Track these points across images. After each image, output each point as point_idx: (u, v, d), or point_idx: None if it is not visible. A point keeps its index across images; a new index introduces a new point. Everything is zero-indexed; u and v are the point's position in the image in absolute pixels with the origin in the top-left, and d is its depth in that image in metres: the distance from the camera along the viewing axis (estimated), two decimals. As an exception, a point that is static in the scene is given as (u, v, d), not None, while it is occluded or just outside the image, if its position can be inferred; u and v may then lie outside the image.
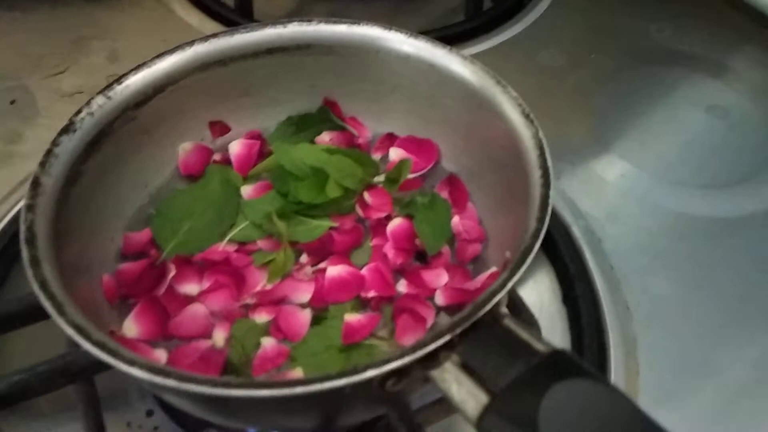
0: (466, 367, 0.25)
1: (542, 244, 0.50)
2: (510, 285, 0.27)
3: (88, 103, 0.35)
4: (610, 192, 0.54)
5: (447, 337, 0.25)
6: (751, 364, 0.44)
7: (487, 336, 0.26)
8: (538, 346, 0.25)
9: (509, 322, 0.26)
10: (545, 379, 0.23)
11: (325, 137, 0.42)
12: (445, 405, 0.38)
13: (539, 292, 0.48)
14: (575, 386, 0.23)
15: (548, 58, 0.62)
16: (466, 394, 0.24)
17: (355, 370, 0.25)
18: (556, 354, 0.24)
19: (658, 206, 0.53)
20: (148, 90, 0.37)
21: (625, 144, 0.57)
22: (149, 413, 0.40)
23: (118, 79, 0.36)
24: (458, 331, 0.26)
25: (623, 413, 0.22)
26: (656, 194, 0.53)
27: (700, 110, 0.59)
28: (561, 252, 0.48)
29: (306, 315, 0.36)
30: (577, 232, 0.50)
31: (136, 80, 0.37)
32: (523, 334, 0.25)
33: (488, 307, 0.26)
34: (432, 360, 0.26)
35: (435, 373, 0.26)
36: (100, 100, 0.36)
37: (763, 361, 0.44)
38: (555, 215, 0.49)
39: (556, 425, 0.22)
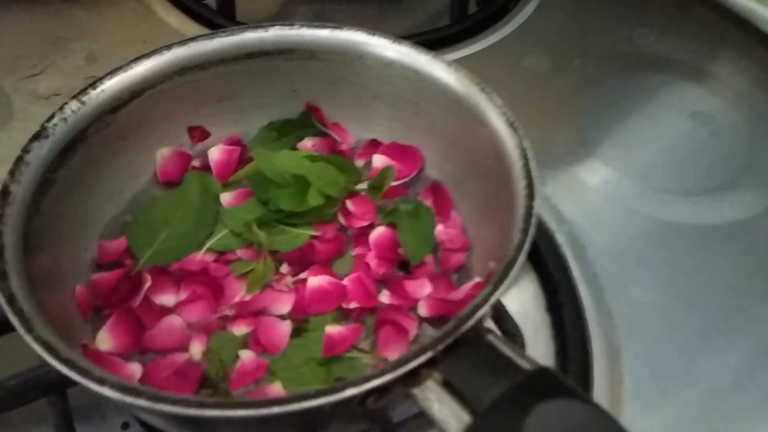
0: (448, 385, 0.24)
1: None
2: (493, 299, 0.27)
3: (61, 108, 0.34)
4: (594, 198, 0.53)
5: (429, 354, 0.25)
6: (733, 370, 0.44)
7: (470, 353, 0.25)
8: (522, 364, 0.24)
9: (492, 339, 0.26)
10: (529, 398, 0.22)
11: (308, 143, 0.42)
12: (427, 419, 0.37)
13: (523, 300, 0.47)
14: (559, 406, 0.22)
15: (533, 63, 0.62)
16: (448, 414, 0.24)
17: (335, 389, 0.24)
18: (539, 372, 0.24)
19: (641, 213, 0.52)
20: (125, 95, 0.36)
21: (610, 150, 0.57)
22: (124, 426, 0.39)
23: (93, 84, 0.35)
24: (440, 347, 0.25)
25: (608, 433, 0.22)
26: (640, 201, 0.53)
27: (683, 116, 0.59)
28: (545, 259, 0.48)
29: (286, 327, 0.35)
30: (561, 239, 0.49)
31: (112, 84, 0.36)
32: (507, 351, 0.25)
33: (471, 322, 0.26)
34: (413, 377, 0.25)
35: (416, 391, 0.25)
36: (74, 105, 0.35)
37: (744, 367, 0.44)
38: (539, 222, 0.49)
39: (539, 447, 0.21)
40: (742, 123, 0.59)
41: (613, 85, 0.61)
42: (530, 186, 0.31)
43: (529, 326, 0.45)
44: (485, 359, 0.25)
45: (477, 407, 0.23)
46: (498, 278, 0.28)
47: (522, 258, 0.29)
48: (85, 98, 0.35)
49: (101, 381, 0.24)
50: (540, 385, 0.23)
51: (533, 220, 0.30)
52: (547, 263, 0.47)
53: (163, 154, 0.40)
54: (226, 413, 0.24)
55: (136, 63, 0.37)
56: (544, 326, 0.46)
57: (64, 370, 0.25)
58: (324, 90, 0.41)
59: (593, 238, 0.50)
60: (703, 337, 0.45)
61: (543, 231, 0.49)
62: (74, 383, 0.35)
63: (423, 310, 0.36)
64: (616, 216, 0.52)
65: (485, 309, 0.26)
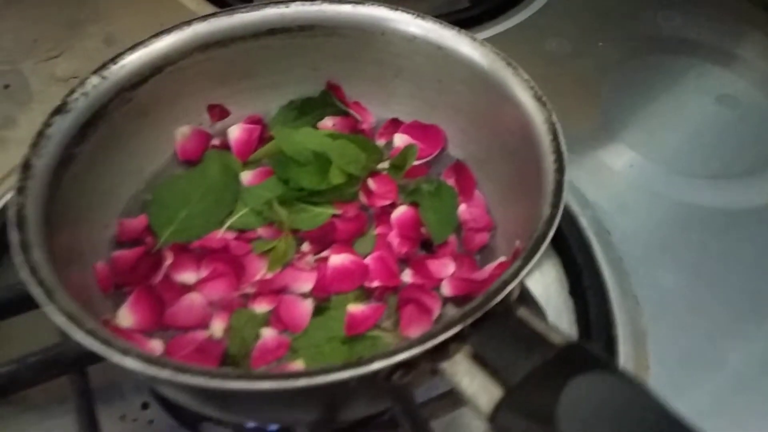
0: (478, 360, 0.24)
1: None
2: (524, 273, 0.26)
3: (82, 83, 0.34)
4: (618, 182, 0.53)
5: (458, 328, 0.24)
6: (759, 356, 0.43)
7: (500, 327, 0.24)
8: (554, 338, 0.24)
9: (523, 313, 0.25)
10: (562, 372, 0.22)
11: (328, 122, 0.41)
12: (450, 399, 0.37)
13: (546, 284, 0.47)
14: (593, 380, 0.21)
15: (554, 46, 0.61)
16: (479, 388, 0.23)
17: (361, 362, 0.24)
18: (572, 346, 0.23)
19: (666, 197, 0.51)
20: (145, 71, 0.36)
21: (633, 134, 0.56)
22: (144, 406, 0.39)
23: (114, 59, 0.35)
24: (470, 321, 0.24)
25: (644, 406, 0.21)
26: (665, 184, 0.52)
27: (709, 100, 0.58)
28: (569, 243, 0.47)
29: (307, 305, 0.34)
30: (584, 222, 0.49)
31: (133, 60, 0.36)
32: (538, 326, 0.24)
33: (501, 296, 0.25)
34: (442, 352, 0.24)
35: (445, 366, 0.24)
36: (94, 80, 0.34)
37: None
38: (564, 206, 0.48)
39: (576, 421, 0.21)
40: (768, 106, 0.57)
41: (636, 68, 0.60)
42: (560, 160, 0.31)
43: (551, 310, 0.45)
44: (516, 334, 0.24)
45: (509, 381, 0.23)
46: (528, 253, 0.27)
47: (552, 232, 0.28)
48: (105, 73, 0.35)
49: (125, 352, 0.24)
50: (573, 360, 0.22)
51: (564, 195, 0.29)
52: (571, 247, 0.47)
53: (182, 132, 0.39)
54: (250, 385, 0.23)
55: (156, 38, 0.36)
56: (566, 311, 0.45)
57: (87, 341, 0.24)
58: (345, 68, 0.40)
59: (617, 222, 0.49)
60: (729, 323, 0.45)
61: (566, 214, 0.48)
62: (94, 360, 0.35)
63: (446, 289, 0.35)
64: (641, 200, 0.51)
65: (515, 282, 0.26)
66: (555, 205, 0.29)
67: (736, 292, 0.46)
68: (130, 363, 0.24)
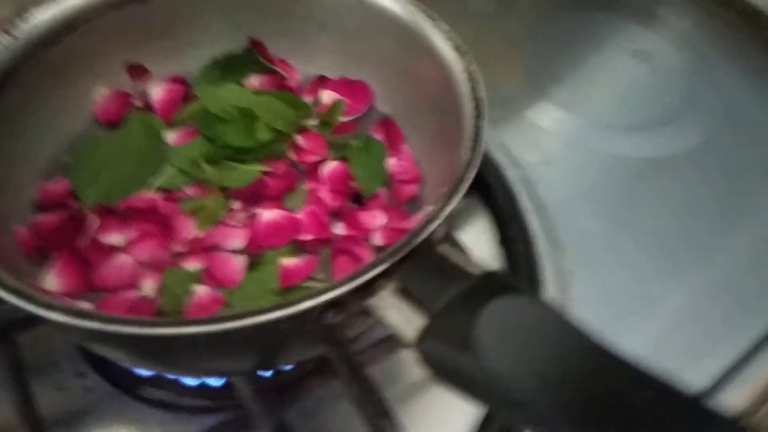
0: (404, 293, 0.25)
1: (478, 189, 0.50)
2: (446, 212, 0.27)
3: (-13, 41, 0.33)
4: (544, 137, 0.54)
5: (385, 265, 0.25)
6: (679, 297, 0.46)
7: (424, 262, 0.25)
8: (472, 269, 0.25)
9: (444, 249, 0.26)
10: (480, 298, 0.23)
11: (253, 81, 0.41)
12: (388, 345, 0.38)
13: (477, 235, 0.48)
14: (509, 304, 0.23)
15: (478, 4, 0.62)
16: (404, 319, 0.24)
17: (291, 303, 0.24)
18: (489, 275, 0.24)
19: (589, 149, 0.54)
20: (57, 29, 0.35)
21: (557, 89, 0.57)
22: (80, 375, 0.39)
23: (23, 16, 0.34)
24: (395, 259, 0.25)
25: (556, 326, 0.22)
26: (587, 137, 0.54)
27: (627, 55, 0.60)
28: (496, 196, 0.49)
29: (240, 261, 0.34)
30: (511, 176, 0.50)
31: (44, 18, 0.34)
32: (459, 258, 0.25)
33: (424, 235, 0.26)
34: (369, 289, 0.25)
35: (373, 302, 0.25)
36: (3, 39, 0.33)
37: (688, 293, 0.46)
38: (490, 160, 0.50)
39: (492, 342, 0.22)
40: (682, 61, 0.60)
41: (558, 26, 0.62)
42: (479, 107, 0.32)
43: (482, 260, 0.46)
44: (438, 267, 0.25)
45: (431, 310, 0.24)
46: (449, 193, 0.28)
47: (472, 174, 0.29)
48: (15, 32, 0.33)
49: (50, 306, 0.24)
50: (490, 286, 0.24)
51: (483, 139, 0.30)
52: (498, 198, 0.48)
53: (102, 93, 0.38)
54: (180, 330, 0.23)
55: (67, -5, 0.35)
56: (497, 259, 0.47)
57: (10, 298, 0.24)
58: (268, 24, 0.40)
59: (543, 174, 0.51)
60: (649, 265, 0.47)
61: (493, 168, 0.50)
62: (23, 327, 0.35)
63: (377, 239, 0.36)
64: (565, 153, 0.53)
65: (438, 222, 0.27)
66: (473, 149, 0.30)
67: (654, 235, 0.49)
68: (57, 317, 0.24)
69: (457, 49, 0.34)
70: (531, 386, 0.21)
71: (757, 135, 0.55)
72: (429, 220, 0.27)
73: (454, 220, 0.46)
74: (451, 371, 0.22)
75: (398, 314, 0.24)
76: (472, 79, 0.33)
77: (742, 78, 0.59)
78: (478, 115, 0.32)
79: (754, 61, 0.60)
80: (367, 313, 0.27)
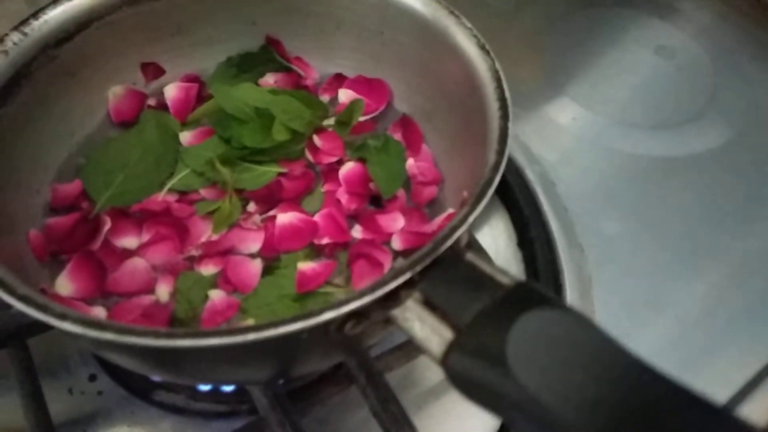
0: (429, 305, 0.24)
1: (497, 189, 0.50)
2: (471, 219, 0.26)
3: (1, 40, 0.32)
4: (563, 135, 0.53)
5: (407, 275, 0.24)
6: (700, 298, 0.45)
7: (449, 272, 0.24)
8: (502, 279, 0.24)
9: (471, 257, 0.25)
10: (511, 311, 0.22)
11: (269, 79, 0.40)
12: (404, 351, 0.37)
13: (494, 237, 0.47)
14: (541, 316, 0.22)
15: (496, 0, 0.61)
16: (430, 332, 0.23)
17: (312, 314, 0.23)
18: (520, 285, 0.23)
19: (609, 147, 0.53)
20: (70, 26, 0.34)
21: (576, 86, 0.56)
22: (92, 378, 0.38)
23: (35, 14, 0.33)
24: (419, 268, 0.24)
25: (593, 341, 0.21)
26: (607, 136, 0.53)
27: (648, 51, 0.59)
28: (516, 196, 0.48)
29: (256, 265, 0.34)
30: (530, 175, 0.49)
31: (56, 15, 0.33)
32: (486, 268, 0.24)
33: (449, 242, 0.25)
34: (392, 299, 0.24)
35: (396, 313, 0.24)
36: (15, 36, 0.32)
37: (710, 295, 0.45)
38: (509, 159, 0.48)
39: (526, 357, 0.21)
40: (705, 57, 0.59)
41: (577, 22, 0.61)
42: (504, 107, 0.31)
43: (500, 262, 0.45)
44: (465, 277, 0.24)
45: (459, 323, 0.23)
46: (475, 199, 0.27)
47: (498, 178, 0.28)
48: (27, 29, 0.32)
49: (63, 316, 0.23)
50: (521, 298, 0.23)
51: (508, 141, 0.29)
52: (518, 199, 0.47)
53: (115, 92, 0.38)
54: (198, 342, 0.22)
55: (80, -8, 0.34)
56: (516, 261, 0.46)
57: (22, 306, 0.23)
58: (284, 21, 0.39)
59: (562, 174, 0.50)
60: (670, 266, 0.46)
61: (512, 168, 0.49)
62: (35, 331, 0.34)
63: (397, 243, 0.35)
64: (584, 151, 0.52)
65: (463, 229, 0.26)
66: (500, 152, 0.29)
67: (676, 236, 0.48)
68: (69, 327, 0.23)
69: (482, 47, 0.33)
70: (566, 406, 0.20)
71: (784, 134, 0.53)
72: (455, 227, 0.26)
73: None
74: (481, 388, 0.21)
75: (423, 327, 0.23)
76: (497, 78, 0.32)
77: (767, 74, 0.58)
78: (504, 116, 0.30)
79: (780, 57, 0.59)
80: (388, 321, 0.26)
